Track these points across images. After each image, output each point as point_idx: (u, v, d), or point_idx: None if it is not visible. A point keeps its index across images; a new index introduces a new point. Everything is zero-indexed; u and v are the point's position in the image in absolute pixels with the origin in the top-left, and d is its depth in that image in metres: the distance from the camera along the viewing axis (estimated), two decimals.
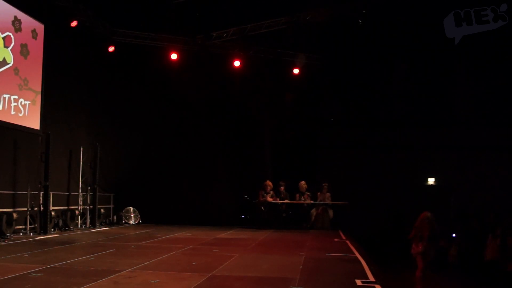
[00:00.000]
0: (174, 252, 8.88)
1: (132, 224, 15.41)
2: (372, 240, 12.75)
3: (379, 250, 11.39)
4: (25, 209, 11.68)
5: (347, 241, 11.46)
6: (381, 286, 6.18)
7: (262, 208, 15.28)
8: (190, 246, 9.85)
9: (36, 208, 11.81)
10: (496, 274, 9.58)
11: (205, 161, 16.60)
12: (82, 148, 14.17)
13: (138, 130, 16.53)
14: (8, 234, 10.51)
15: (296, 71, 16.80)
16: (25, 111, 12.11)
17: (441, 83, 16.92)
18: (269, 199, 15.20)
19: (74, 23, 13.57)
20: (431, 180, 17.30)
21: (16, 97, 11.78)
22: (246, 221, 16.43)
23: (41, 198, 11.83)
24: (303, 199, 15.53)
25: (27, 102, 12.21)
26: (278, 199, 15.38)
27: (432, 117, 17.03)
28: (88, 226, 13.83)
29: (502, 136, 16.28)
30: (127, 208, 15.65)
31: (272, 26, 15.58)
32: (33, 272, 6.52)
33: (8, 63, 11.49)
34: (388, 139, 17.11)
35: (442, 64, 16.73)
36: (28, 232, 11.53)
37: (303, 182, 15.60)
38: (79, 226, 13.57)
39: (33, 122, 12.49)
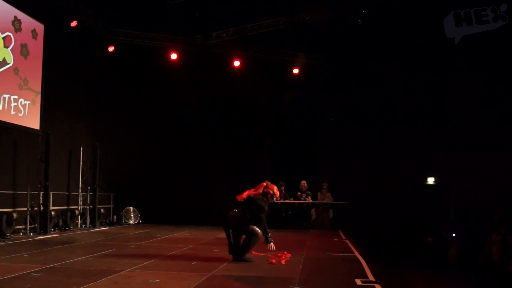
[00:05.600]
0: (174, 252, 8.88)
1: (132, 224, 15.42)
2: (372, 239, 12.75)
3: (379, 249, 11.39)
4: (25, 209, 11.67)
5: (347, 241, 11.45)
6: (381, 286, 6.18)
7: None
8: (190, 246, 9.85)
9: (36, 208, 11.81)
10: (496, 274, 9.58)
11: (205, 161, 16.61)
12: (82, 148, 14.18)
13: (138, 130, 16.54)
14: (8, 234, 10.51)
15: (296, 71, 16.80)
16: (25, 111, 12.12)
17: (441, 83, 16.92)
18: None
19: (74, 23, 13.56)
20: (431, 180, 17.31)
21: (16, 97, 11.78)
22: None
23: (41, 198, 11.83)
24: (302, 199, 15.51)
25: (27, 102, 12.21)
26: (280, 199, 15.39)
27: (432, 117, 17.03)
28: (88, 226, 13.83)
29: (502, 136, 16.29)
30: (127, 208, 15.65)
31: (272, 26, 15.57)
32: (33, 272, 6.52)
33: (8, 63, 11.50)
34: (388, 139, 17.12)
35: (442, 64, 16.73)
36: (28, 232, 11.53)
37: (304, 181, 15.60)
38: (79, 226, 13.58)
39: (33, 122, 12.49)
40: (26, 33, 12.17)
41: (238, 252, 7.91)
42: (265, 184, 8.21)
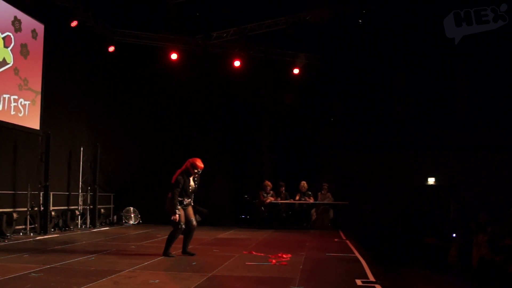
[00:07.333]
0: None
1: (132, 224, 15.41)
2: (372, 240, 12.75)
3: (379, 250, 11.38)
4: (25, 209, 11.67)
5: (347, 241, 11.46)
6: (381, 286, 6.18)
7: (262, 208, 15.30)
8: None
9: (36, 208, 11.81)
10: (497, 275, 9.57)
11: (205, 161, 16.55)
12: (82, 148, 14.18)
13: (138, 130, 16.53)
14: (8, 234, 10.52)
15: (296, 71, 16.80)
16: (25, 111, 12.11)
17: (441, 83, 16.91)
18: (271, 199, 15.23)
19: (74, 23, 13.56)
20: (431, 180, 17.29)
21: (16, 97, 11.78)
22: (246, 221, 16.42)
23: (41, 198, 11.83)
24: (303, 199, 15.51)
25: (27, 102, 12.21)
26: (279, 199, 15.40)
27: (432, 117, 17.01)
28: (88, 226, 13.83)
29: (502, 136, 16.27)
30: (127, 208, 15.64)
31: (272, 26, 15.57)
32: (33, 272, 6.52)
33: (8, 63, 11.50)
34: (388, 139, 17.09)
35: (442, 64, 16.72)
36: (28, 232, 11.53)
37: (304, 182, 15.60)
38: (79, 226, 13.58)
39: (33, 122, 12.49)
40: (26, 33, 12.17)
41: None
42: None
